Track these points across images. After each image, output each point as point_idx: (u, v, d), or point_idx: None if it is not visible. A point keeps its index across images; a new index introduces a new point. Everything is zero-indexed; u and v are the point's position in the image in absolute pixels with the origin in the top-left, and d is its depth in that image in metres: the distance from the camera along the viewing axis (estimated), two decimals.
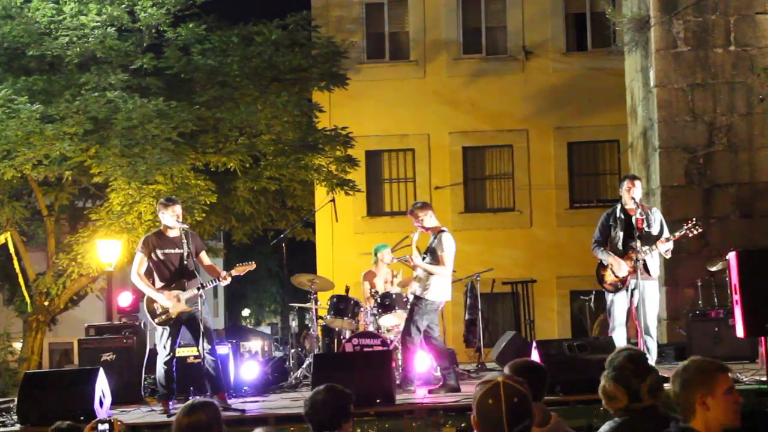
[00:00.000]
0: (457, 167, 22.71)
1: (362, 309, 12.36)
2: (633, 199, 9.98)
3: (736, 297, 9.39)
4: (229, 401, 10.00)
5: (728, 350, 11.35)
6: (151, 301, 9.87)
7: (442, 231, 10.48)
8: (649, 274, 9.98)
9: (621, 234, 10.08)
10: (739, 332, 9.49)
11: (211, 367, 9.77)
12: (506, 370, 5.18)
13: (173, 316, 9.82)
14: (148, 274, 10.00)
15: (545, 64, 22.60)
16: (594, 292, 15.21)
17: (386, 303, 11.95)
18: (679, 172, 13.87)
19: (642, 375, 4.48)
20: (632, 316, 10.13)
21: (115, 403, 10.19)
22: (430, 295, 10.34)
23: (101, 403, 9.44)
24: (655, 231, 10.01)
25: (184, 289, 9.84)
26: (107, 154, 17.22)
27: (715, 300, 12.32)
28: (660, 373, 4.55)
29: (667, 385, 4.40)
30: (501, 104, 22.44)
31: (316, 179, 19.84)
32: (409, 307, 10.83)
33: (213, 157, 18.48)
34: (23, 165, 17.00)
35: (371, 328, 11.99)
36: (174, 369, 9.93)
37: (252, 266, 10.12)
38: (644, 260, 9.86)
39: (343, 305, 12.31)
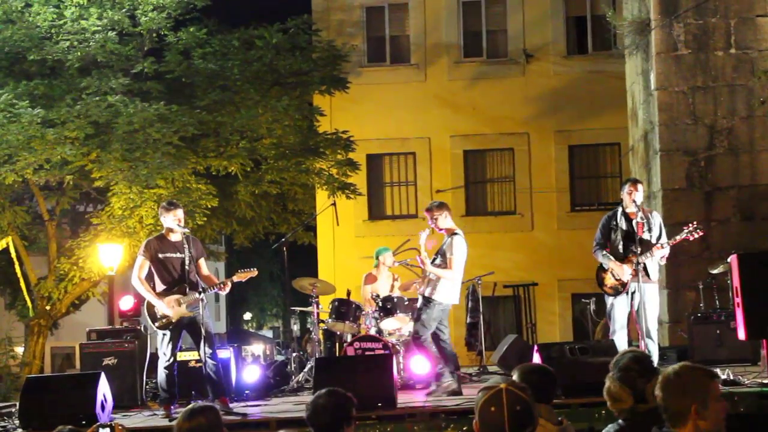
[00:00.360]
0: (458, 170, 22.72)
1: (364, 312, 12.36)
2: (635, 202, 9.97)
3: (738, 300, 9.40)
4: (231, 405, 10.00)
5: (730, 353, 11.36)
6: (151, 305, 9.87)
7: (456, 234, 10.38)
8: (649, 278, 9.97)
9: (621, 238, 10.07)
10: (741, 335, 9.50)
11: (212, 371, 9.77)
12: (515, 373, 5.18)
13: (173, 321, 9.82)
14: (149, 277, 9.99)
15: (546, 68, 22.60)
16: (595, 296, 15.19)
17: (388, 306, 11.95)
18: (680, 175, 13.87)
19: (647, 376, 4.50)
20: (633, 320, 10.12)
21: (116, 408, 10.19)
22: (437, 296, 10.30)
23: (103, 408, 9.43)
24: (654, 236, 10.01)
25: (184, 294, 9.83)
26: (108, 158, 17.23)
27: (717, 303, 12.31)
28: None
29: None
30: (502, 107, 22.44)
31: (317, 183, 19.84)
32: (417, 307, 10.78)
33: (214, 161, 18.49)
34: (24, 169, 17.00)
35: (373, 332, 11.98)
36: (175, 373, 9.93)
37: (254, 273, 10.13)
38: (644, 263, 9.85)
39: (345, 309, 12.31)
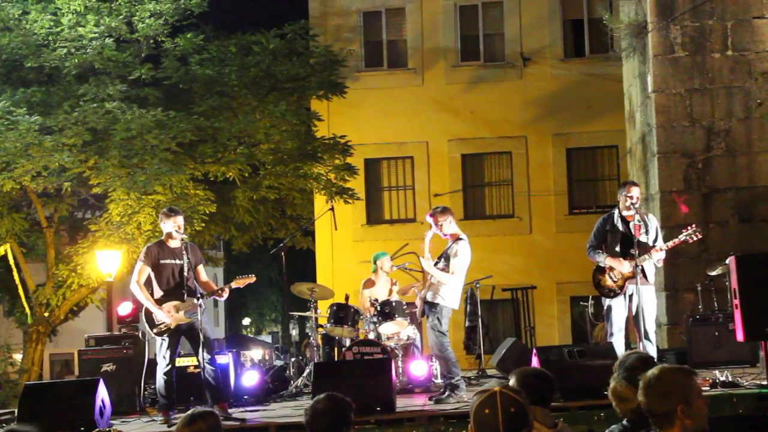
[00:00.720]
0: (456, 174, 22.72)
1: (362, 317, 12.36)
2: (633, 205, 9.97)
3: (736, 301, 9.39)
4: (230, 410, 9.99)
5: (728, 354, 11.37)
6: (150, 311, 9.87)
7: (460, 239, 10.33)
8: (647, 280, 9.97)
9: (618, 240, 10.07)
10: (739, 336, 9.49)
11: (211, 376, 9.77)
12: (512, 377, 5.18)
13: (172, 327, 9.82)
14: (148, 283, 9.99)
15: (543, 71, 22.62)
16: (593, 298, 15.19)
17: (386, 311, 11.94)
18: (677, 177, 13.87)
19: None
20: (631, 322, 10.12)
21: (115, 414, 10.19)
22: (441, 300, 10.25)
23: (102, 414, 9.43)
24: (650, 238, 10.01)
25: (183, 300, 9.83)
26: (106, 164, 17.23)
27: (715, 304, 12.31)
28: None
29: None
30: (499, 111, 22.45)
31: (315, 188, 19.85)
32: (421, 313, 10.74)
33: (212, 166, 18.49)
34: (22, 177, 17.01)
35: (371, 336, 11.98)
36: (174, 379, 9.93)
37: (252, 279, 10.13)
38: (642, 266, 9.85)
39: (343, 313, 12.31)
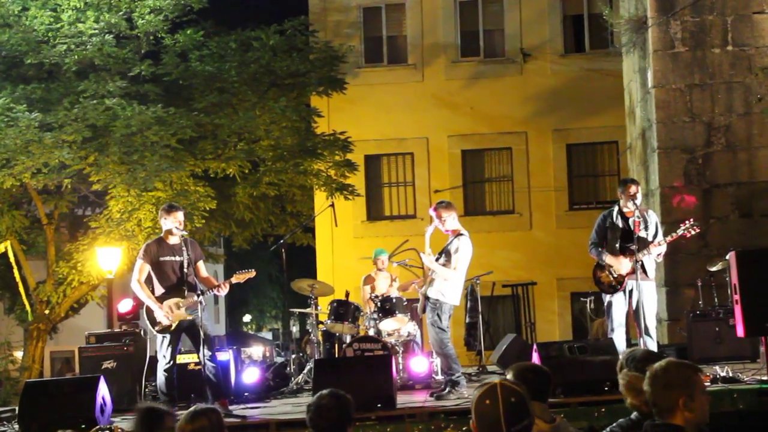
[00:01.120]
0: (456, 170, 22.73)
1: (362, 313, 12.38)
2: (633, 202, 9.97)
3: (736, 297, 9.40)
4: (231, 407, 10.00)
5: (729, 350, 11.38)
6: (151, 308, 9.87)
7: (461, 235, 10.31)
8: (647, 275, 9.98)
9: (618, 236, 10.08)
10: (740, 332, 9.50)
11: (211, 373, 9.77)
12: (509, 373, 5.18)
13: (173, 326, 9.82)
14: (149, 281, 9.99)
15: (543, 66, 22.62)
16: (593, 294, 15.20)
17: (386, 307, 11.95)
18: (678, 172, 13.86)
19: None
20: (631, 318, 10.12)
21: (116, 411, 10.19)
22: (441, 296, 10.23)
23: (102, 411, 9.43)
24: (650, 234, 10.01)
25: (183, 297, 9.83)
26: (106, 161, 17.22)
27: (716, 300, 12.31)
28: None
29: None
30: (499, 107, 22.45)
31: (315, 184, 19.83)
32: (422, 309, 10.74)
33: (212, 163, 18.48)
34: (22, 173, 16.99)
35: (372, 333, 11.99)
36: (175, 376, 9.93)
37: (251, 274, 10.12)
38: (642, 261, 9.85)
39: (344, 310, 12.33)
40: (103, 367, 11.37)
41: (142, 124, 16.97)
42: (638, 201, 10.03)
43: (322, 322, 12.82)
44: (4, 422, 10.53)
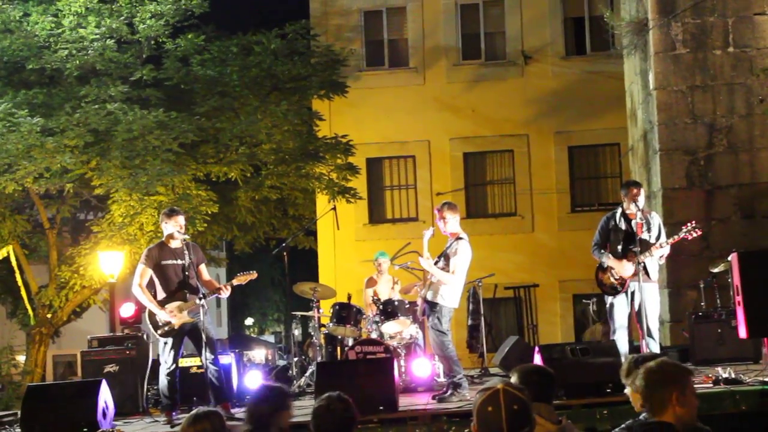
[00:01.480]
0: (458, 173, 22.73)
1: (364, 316, 12.38)
2: (635, 205, 9.97)
3: (739, 298, 9.40)
4: (233, 411, 9.99)
5: (731, 351, 11.36)
6: (153, 313, 9.87)
7: (461, 238, 10.30)
8: (650, 277, 9.97)
9: (621, 239, 10.07)
10: (742, 333, 9.50)
11: (214, 377, 9.77)
12: (514, 374, 5.19)
13: (176, 328, 9.82)
14: (150, 285, 10.00)
15: (544, 69, 22.62)
16: (596, 296, 15.20)
17: (388, 310, 11.95)
18: (680, 174, 13.86)
19: None
20: (634, 320, 10.12)
21: (118, 415, 10.19)
22: (441, 300, 10.24)
23: (105, 415, 9.43)
24: (653, 236, 10.01)
25: (185, 300, 9.83)
26: (108, 165, 17.24)
27: (718, 301, 12.30)
28: None
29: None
30: (501, 109, 22.45)
31: (317, 187, 19.85)
32: (421, 312, 10.74)
33: (214, 167, 18.50)
34: (24, 178, 17.01)
35: (374, 336, 11.99)
36: (177, 379, 9.93)
37: (253, 275, 10.11)
38: (644, 263, 9.85)
39: (346, 313, 12.32)
40: (105, 370, 11.37)
41: (144, 129, 16.99)
42: (641, 203, 10.03)
43: (324, 325, 12.81)
44: (7, 426, 10.53)
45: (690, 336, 12.04)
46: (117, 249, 17.49)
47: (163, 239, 10.14)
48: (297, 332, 14.73)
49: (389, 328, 12.00)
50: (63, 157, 16.73)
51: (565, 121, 22.30)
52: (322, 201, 20.38)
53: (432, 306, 10.27)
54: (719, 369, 9.63)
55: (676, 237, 9.97)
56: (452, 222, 10.32)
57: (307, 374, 12.37)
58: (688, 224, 10.00)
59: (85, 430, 8.95)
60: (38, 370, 19.61)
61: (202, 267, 10.19)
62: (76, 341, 22.70)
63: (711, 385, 9.08)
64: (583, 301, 16.90)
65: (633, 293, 9.98)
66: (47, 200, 19.66)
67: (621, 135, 18.53)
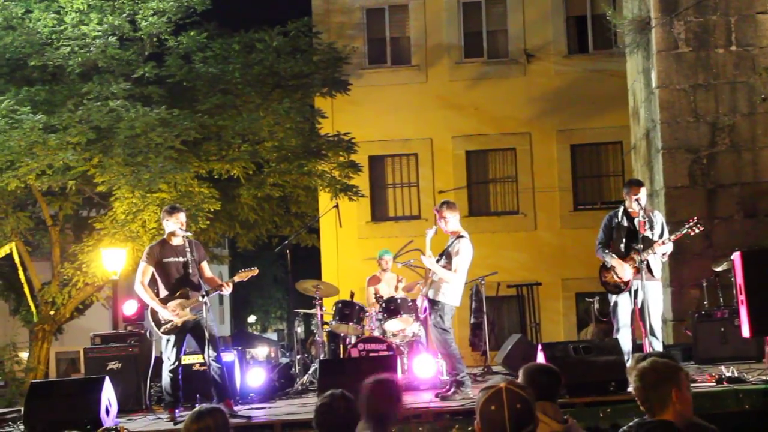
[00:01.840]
0: (460, 171, 22.73)
1: (367, 314, 12.38)
2: (638, 203, 9.96)
3: (742, 297, 9.41)
4: (236, 408, 10.01)
5: (734, 350, 11.36)
6: (155, 310, 9.87)
7: (462, 237, 10.32)
8: (653, 275, 9.96)
9: (623, 236, 10.07)
10: (745, 332, 9.50)
11: (216, 374, 9.77)
12: (520, 374, 5.20)
13: (178, 325, 9.83)
14: (153, 282, 10.00)
15: (547, 67, 22.61)
16: (599, 294, 15.19)
17: (391, 308, 11.96)
18: (682, 172, 13.86)
19: None
20: (637, 318, 10.11)
21: (121, 412, 10.20)
22: (443, 298, 10.25)
23: (107, 412, 9.44)
24: (656, 234, 10.00)
25: (187, 297, 9.84)
26: (110, 163, 17.25)
27: (721, 300, 12.30)
28: None
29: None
30: (503, 107, 22.44)
31: (319, 185, 19.84)
32: (422, 311, 10.75)
33: (216, 164, 18.50)
34: (27, 175, 17.02)
35: (377, 333, 12.00)
36: (180, 377, 9.94)
37: (254, 272, 10.11)
38: (647, 261, 9.84)
39: (349, 310, 12.33)
40: (108, 368, 11.39)
41: (146, 126, 16.99)
42: (643, 201, 10.02)
43: (327, 323, 12.83)
44: (10, 423, 10.55)
45: (693, 335, 12.04)
46: (120, 246, 17.50)
47: (165, 237, 10.14)
48: (300, 330, 14.76)
49: (392, 325, 12.00)
50: (65, 154, 16.73)
51: (567, 120, 22.30)
52: (324, 199, 20.38)
53: (434, 304, 10.29)
54: (722, 368, 9.63)
55: (678, 234, 9.97)
56: (452, 221, 10.34)
57: (310, 372, 12.38)
58: (690, 221, 9.98)
59: (88, 427, 8.96)
60: (41, 367, 19.62)
61: (205, 264, 10.20)
62: (78, 338, 22.71)
63: (714, 384, 9.09)
64: (586, 299, 16.89)
65: (636, 291, 9.97)
66: (50, 197, 19.67)
67: (623, 133, 18.51)
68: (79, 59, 17.85)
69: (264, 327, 59.76)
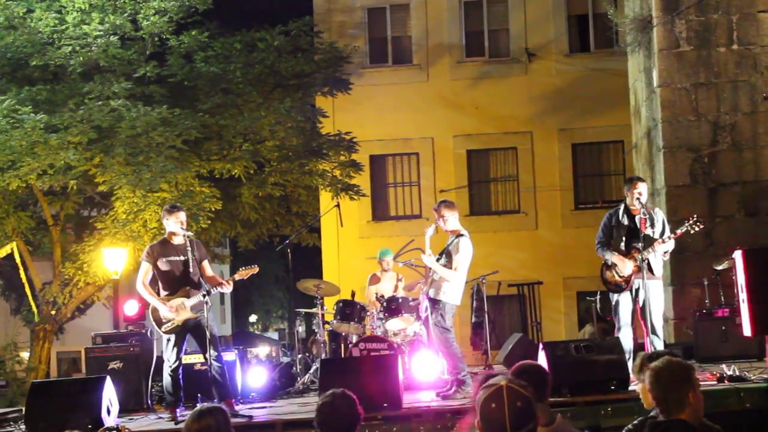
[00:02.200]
0: (461, 170, 22.72)
1: (368, 313, 12.38)
2: (639, 200, 9.95)
3: (743, 296, 9.40)
4: (237, 407, 10.01)
5: (735, 349, 11.35)
6: (156, 310, 9.87)
7: (462, 235, 10.32)
8: (653, 274, 9.94)
9: (624, 235, 10.05)
10: (746, 331, 9.50)
11: (217, 373, 9.76)
12: (509, 373, 5.18)
13: (179, 324, 9.82)
14: (153, 281, 9.99)
15: (548, 66, 22.61)
16: (600, 293, 15.18)
17: (392, 307, 11.96)
18: (683, 171, 13.84)
19: None
20: (638, 317, 10.11)
21: (122, 411, 10.20)
22: (443, 297, 10.25)
23: (109, 412, 9.44)
24: (657, 232, 9.99)
25: (188, 297, 9.83)
26: (112, 162, 17.25)
27: (722, 299, 12.29)
28: None
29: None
30: (504, 107, 22.44)
31: (320, 184, 19.85)
32: (423, 310, 10.75)
33: (217, 164, 18.50)
34: (28, 175, 17.03)
35: (378, 333, 11.99)
36: (180, 376, 9.93)
37: (254, 270, 10.10)
38: (648, 260, 9.82)
39: (350, 310, 12.33)
40: (109, 367, 11.38)
41: (148, 125, 16.99)
42: (644, 198, 10.00)
43: (328, 322, 12.83)
44: (11, 422, 10.55)
45: (694, 333, 12.04)
46: (121, 246, 17.51)
47: (166, 236, 10.14)
48: (301, 329, 14.81)
49: (393, 325, 12.01)
50: (66, 154, 16.74)
51: (568, 119, 22.29)
52: (325, 198, 20.38)
53: (435, 303, 10.28)
54: (723, 366, 9.62)
55: (678, 231, 9.95)
56: (451, 219, 10.35)
57: (311, 371, 12.38)
58: (690, 219, 9.96)
59: (89, 426, 8.95)
60: (42, 366, 19.63)
61: (205, 263, 10.19)
62: (80, 338, 22.76)
63: (715, 382, 9.08)
64: (587, 298, 16.86)
65: (637, 290, 9.96)
66: (51, 197, 19.68)
67: (625, 132, 18.50)
68: (81, 59, 17.85)
69: (265, 326, 59.75)
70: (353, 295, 12.89)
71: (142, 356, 11.66)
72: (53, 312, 19.56)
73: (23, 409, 10.07)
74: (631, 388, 8.81)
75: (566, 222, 22.26)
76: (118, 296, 18.43)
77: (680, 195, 13.79)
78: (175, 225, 9.93)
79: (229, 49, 19.38)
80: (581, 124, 22.23)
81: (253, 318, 58.77)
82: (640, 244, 9.78)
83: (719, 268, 12.18)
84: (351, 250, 21.91)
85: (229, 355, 11.19)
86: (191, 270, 9.87)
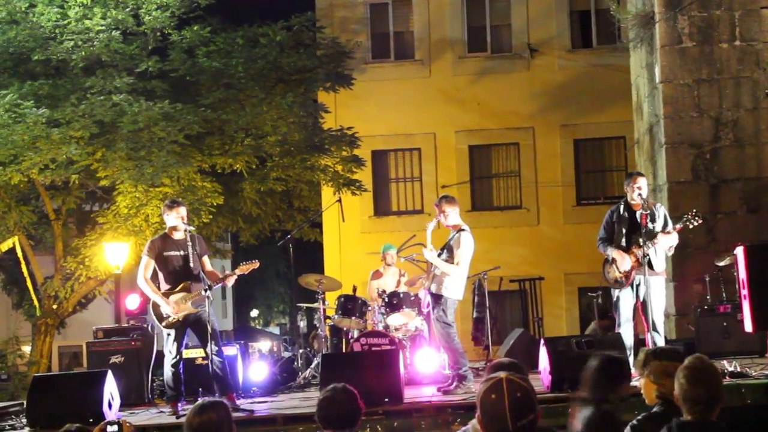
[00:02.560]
0: (463, 166, 22.71)
1: (370, 308, 12.38)
2: (640, 195, 9.93)
3: (744, 292, 9.40)
4: (238, 402, 10.01)
5: (737, 345, 11.35)
6: (157, 304, 9.87)
7: (463, 230, 10.32)
8: (654, 270, 9.93)
9: (625, 230, 10.04)
10: (748, 327, 9.50)
11: (218, 368, 9.76)
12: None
13: (180, 319, 9.82)
14: (154, 276, 10.00)
15: (550, 62, 22.59)
16: (602, 289, 15.18)
17: (394, 302, 11.96)
18: (685, 167, 13.84)
19: None
20: (639, 313, 10.10)
21: (123, 405, 10.22)
22: (445, 292, 10.25)
23: (110, 405, 9.46)
24: (659, 227, 9.97)
25: (189, 291, 9.83)
26: (113, 157, 17.26)
27: (724, 295, 12.29)
28: None
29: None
30: (507, 102, 22.43)
31: (322, 180, 19.85)
32: (426, 305, 10.75)
33: (219, 158, 18.50)
34: (30, 169, 17.04)
35: (379, 328, 12.00)
36: (181, 371, 9.94)
37: (255, 265, 10.10)
38: (648, 256, 9.80)
39: (351, 305, 12.34)
40: (110, 361, 11.39)
41: (149, 120, 17.00)
42: (644, 193, 9.97)
43: (329, 317, 12.83)
44: (13, 416, 10.57)
45: (695, 329, 12.03)
46: (122, 240, 17.53)
47: (167, 230, 10.14)
48: (302, 324, 14.75)
49: (394, 320, 12.01)
50: (68, 149, 16.74)
51: (570, 114, 22.28)
52: (327, 193, 20.39)
53: (436, 298, 10.28)
54: (725, 362, 9.62)
55: (678, 225, 9.93)
56: (452, 215, 10.35)
57: (312, 366, 12.39)
58: (689, 213, 9.93)
59: (90, 420, 8.95)
60: (44, 360, 19.65)
61: (206, 258, 10.18)
62: (81, 332, 22.78)
63: None
64: (589, 294, 16.87)
65: (638, 286, 9.95)
66: (53, 191, 19.69)
67: (627, 128, 18.50)
68: (83, 53, 17.85)
69: (266, 321, 59.82)
70: (355, 290, 12.89)
71: (143, 350, 11.67)
72: (55, 306, 19.57)
73: (25, 402, 10.09)
74: (632, 384, 8.80)
75: (568, 218, 22.25)
76: (119, 291, 18.48)
77: (682, 191, 13.79)
78: (176, 220, 9.93)
79: (231, 44, 19.37)
80: (583, 120, 22.21)
81: (254, 313, 58.84)
82: (641, 239, 9.76)
83: (721, 264, 12.17)
84: (353, 245, 21.92)
85: (231, 350, 11.20)
86: (192, 265, 9.87)
